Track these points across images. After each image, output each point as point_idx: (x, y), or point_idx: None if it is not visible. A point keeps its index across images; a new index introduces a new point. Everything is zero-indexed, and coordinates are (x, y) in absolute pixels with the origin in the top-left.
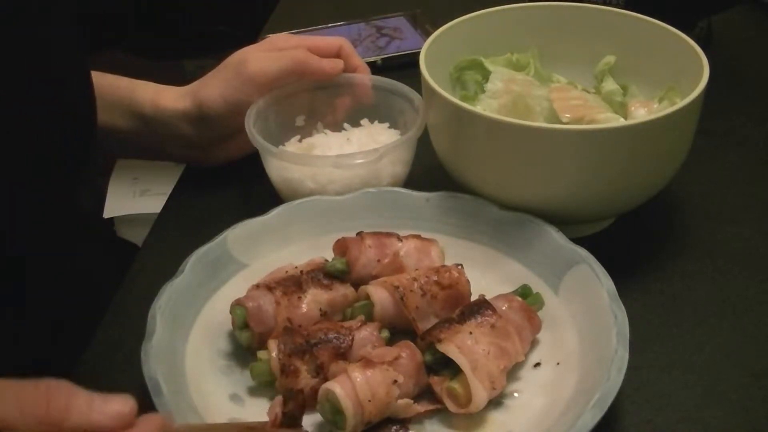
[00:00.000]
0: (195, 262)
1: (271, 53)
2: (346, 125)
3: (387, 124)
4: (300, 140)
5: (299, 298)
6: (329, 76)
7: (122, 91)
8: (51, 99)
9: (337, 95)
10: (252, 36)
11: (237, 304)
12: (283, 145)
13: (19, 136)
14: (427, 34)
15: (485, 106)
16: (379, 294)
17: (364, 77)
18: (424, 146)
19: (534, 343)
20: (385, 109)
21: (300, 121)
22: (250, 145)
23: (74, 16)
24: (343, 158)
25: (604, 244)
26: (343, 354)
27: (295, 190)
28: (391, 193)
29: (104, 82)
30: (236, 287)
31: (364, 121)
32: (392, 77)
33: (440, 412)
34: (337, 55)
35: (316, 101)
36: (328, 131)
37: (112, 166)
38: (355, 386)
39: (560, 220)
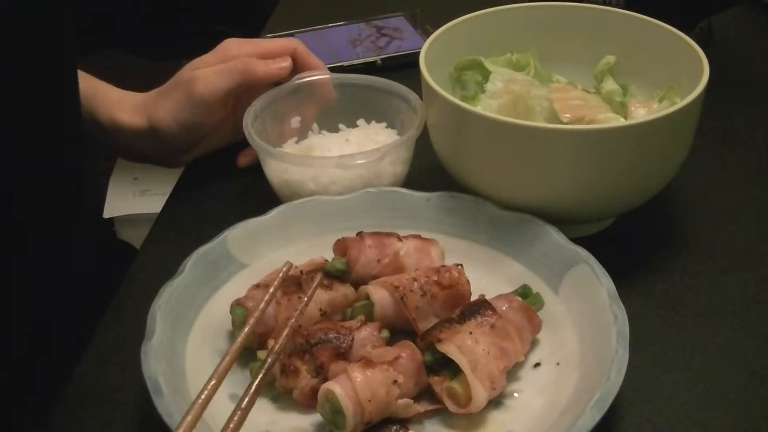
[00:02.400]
0: (195, 262)
1: (218, 67)
2: (341, 126)
3: (384, 124)
4: (297, 142)
5: (299, 298)
6: (278, 77)
7: (83, 95)
8: (42, 97)
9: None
10: (252, 36)
11: (237, 304)
12: (281, 146)
13: (14, 135)
14: (427, 34)
15: (485, 107)
16: (379, 294)
17: (325, 76)
18: (424, 146)
19: (534, 343)
20: (381, 109)
21: (295, 122)
22: (215, 145)
23: (72, 14)
24: (346, 159)
25: (604, 244)
26: (343, 354)
27: (295, 192)
28: (391, 193)
29: None
30: (236, 287)
31: (361, 122)
32: (392, 77)
33: (440, 412)
34: (292, 57)
35: (308, 102)
36: (324, 132)
37: (112, 166)
38: (355, 386)
39: (560, 220)
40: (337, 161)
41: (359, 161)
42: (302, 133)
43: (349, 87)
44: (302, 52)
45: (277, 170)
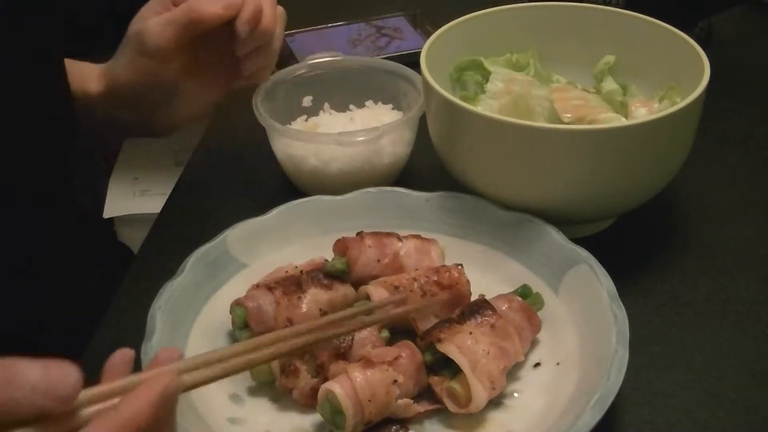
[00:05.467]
0: (195, 262)
1: (164, 16)
2: (351, 106)
3: (391, 106)
4: (306, 120)
5: (299, 298)
6: (226, 18)
7: (72, 77)
8: (32, 96)
9: (342, 77)
10: None
11: (237, 304)
12: (290, 123)
13: (9, 135)
14: (427, 34)
15: (486, 107)
16: (379, 294)
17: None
18: (424, 146)
19: (534, 343)
20: (389, 91)
21: (307, 101)
22: (190, 112)
23: (57, 16)
24: (345, 135)
25: (604, 244)
26: (343, 354)
27: (298, 166)
28: (391, 193)
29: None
30: (236, 287)
31: (369, 103)
32: None
33: (440, 412)
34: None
35: (323, 82)
36: (333, 111)
37: (112, 166)
38: (355, 386)
39: (560, 220)
40: (337, 138)
41: (358, 138)
42: (314, 112)
43: (361, 69)
44: None
45: (282, 145)
